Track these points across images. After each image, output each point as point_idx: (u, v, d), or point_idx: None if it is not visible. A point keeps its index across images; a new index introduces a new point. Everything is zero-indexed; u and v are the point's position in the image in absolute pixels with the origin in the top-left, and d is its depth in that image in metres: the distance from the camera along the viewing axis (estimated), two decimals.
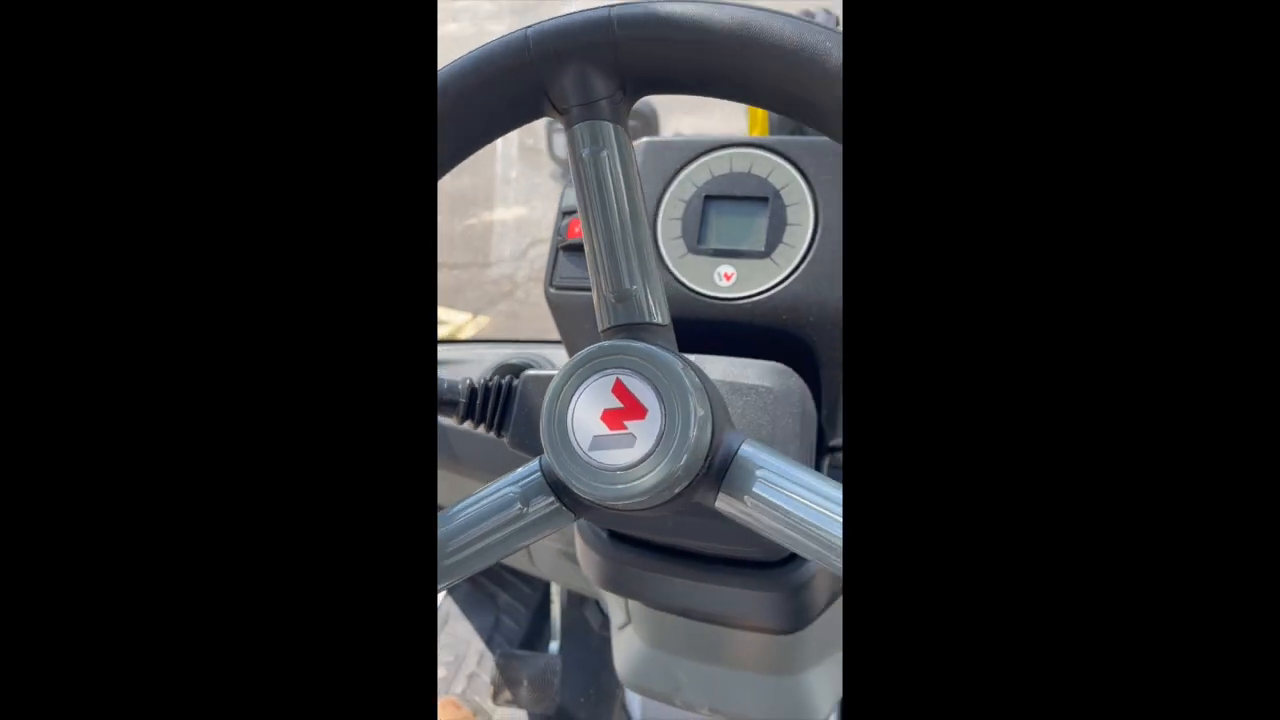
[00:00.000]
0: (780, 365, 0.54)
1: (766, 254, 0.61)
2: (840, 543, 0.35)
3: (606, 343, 0.39)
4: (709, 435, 0.37)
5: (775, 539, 0.37)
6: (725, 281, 0.62)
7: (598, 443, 0.37)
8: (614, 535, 0.65)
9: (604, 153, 0.40)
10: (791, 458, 0.52)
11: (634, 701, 1.18)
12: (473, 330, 2.59)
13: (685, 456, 0.36)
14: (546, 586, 1.49)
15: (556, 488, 0.40)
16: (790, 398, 0.52)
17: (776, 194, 0.62)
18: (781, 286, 0.60)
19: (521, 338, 0.97)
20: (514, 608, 1.46)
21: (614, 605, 0.95)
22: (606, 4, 0.38)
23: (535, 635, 1.46)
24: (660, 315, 0.41)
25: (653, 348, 0.38)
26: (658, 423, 0.37)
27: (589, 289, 0.45)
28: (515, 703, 1.29)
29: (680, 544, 0.61)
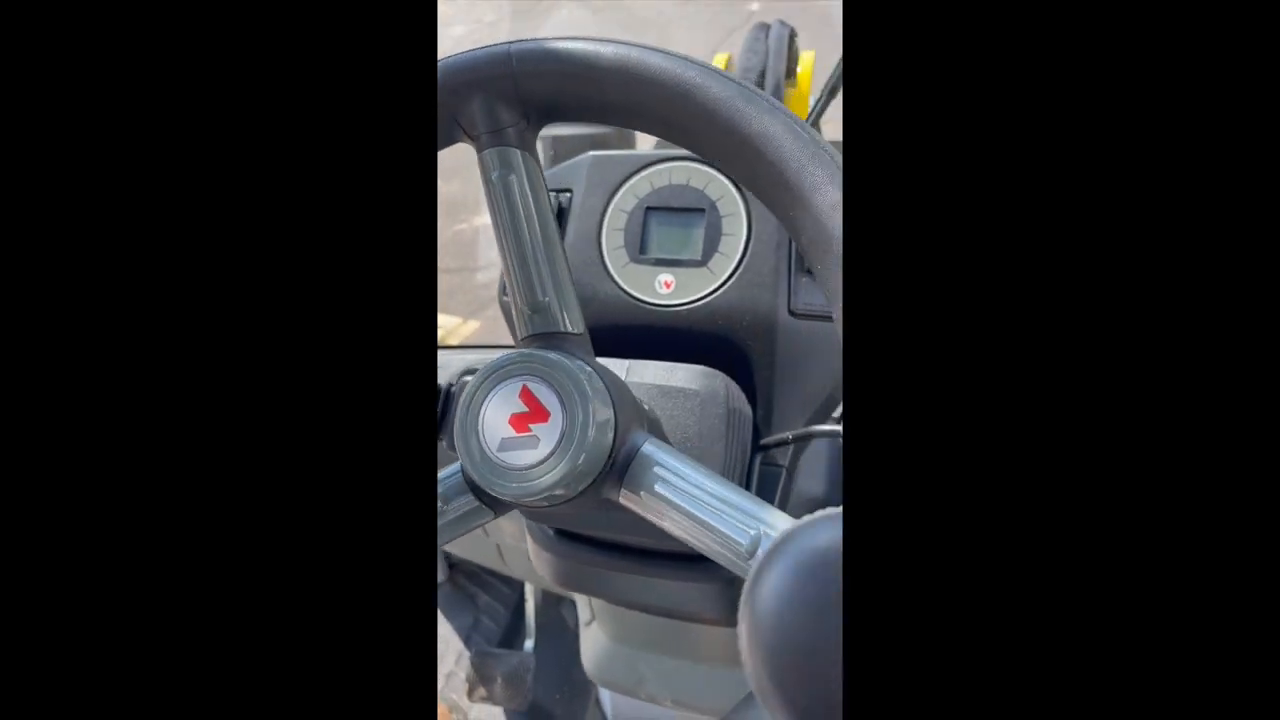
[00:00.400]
0: (707, 369, 0.57)
1: (703, 263, 0.64)
2: (727, 536, 0.38)
3: (515, 351, 0.41)
4: (610, 436, 0.40)
5: (671, 531, 0.40)
6: (665, 289, 0.65)
7: (505, 444, 0.40)
8: (561, 533, 0.67)
9: (511, 176, 0.43)
10: (716, 456, 0.54)
11: (606, 697, 1.20)
12: (464, 334, 2.62)
13: (584, 455, 0.38)
14: (523, 586, 1.51)
15: (474, 487, 0.43)
16: (715, 399, 0.55)
17: (713, 205, 0.64)
18: (718, 294, 0.63)
19: (511, 343, 0.99)
20: (493, 608, 1.49)
21: (580, 602, 0.97)
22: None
23: (513, 634, 1.48)
24: (573, 325, 0.44)
25: (558, 356, 0.41)
26: (559, 425, 0.39)
27: None
28: (490, 699, 1.31)
29: (621, 539, 0.64)
